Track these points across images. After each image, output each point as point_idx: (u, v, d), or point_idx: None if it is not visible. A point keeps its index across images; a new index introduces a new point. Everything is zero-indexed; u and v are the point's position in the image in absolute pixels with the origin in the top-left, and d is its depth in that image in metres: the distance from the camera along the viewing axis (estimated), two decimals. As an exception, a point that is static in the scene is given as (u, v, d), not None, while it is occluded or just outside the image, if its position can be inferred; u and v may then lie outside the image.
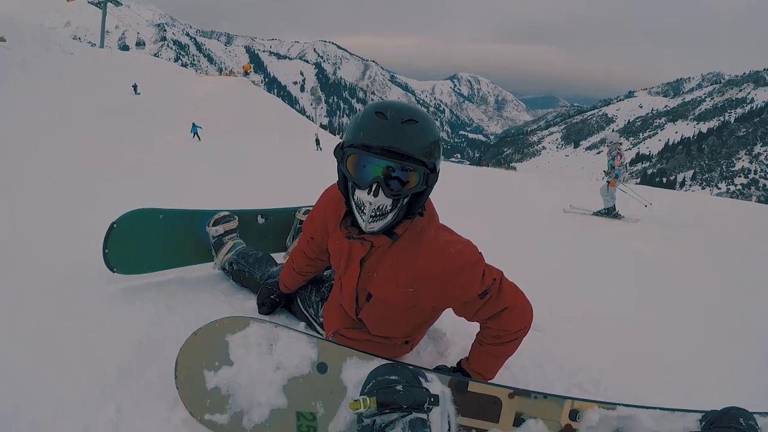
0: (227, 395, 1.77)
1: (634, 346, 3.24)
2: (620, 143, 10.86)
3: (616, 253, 6.68)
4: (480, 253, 1.93)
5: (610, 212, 10.48)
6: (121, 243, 2.64)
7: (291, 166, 10.18)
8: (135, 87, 29.67)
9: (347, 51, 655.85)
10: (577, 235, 7.93)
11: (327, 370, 1.77)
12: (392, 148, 1.68)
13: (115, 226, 2.60)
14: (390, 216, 1.80)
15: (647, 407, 1.70)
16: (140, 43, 51.25)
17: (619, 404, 1.69)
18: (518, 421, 1.70)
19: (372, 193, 1.72)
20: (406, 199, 1.80)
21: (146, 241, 2.78)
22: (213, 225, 2.94)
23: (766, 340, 3.73)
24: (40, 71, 25.18)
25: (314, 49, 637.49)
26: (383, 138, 1.69)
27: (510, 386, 1.74)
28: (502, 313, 1.94)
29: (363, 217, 1.80)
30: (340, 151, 1.79)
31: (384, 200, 1.75)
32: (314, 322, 2.53)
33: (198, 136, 20.66)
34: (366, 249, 1.96)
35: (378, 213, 1.78)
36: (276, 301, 2.65)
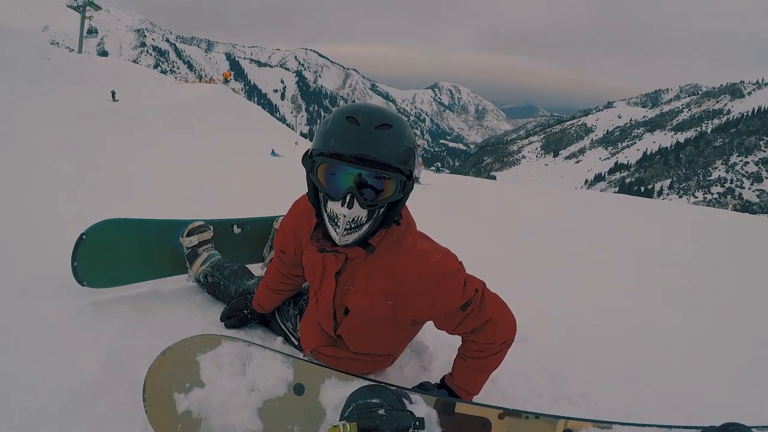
0: (199, 419, 1.65)
1: (623, 356, 3.20)
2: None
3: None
4: (460, 262, 1.85)
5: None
6: (91, 255, 2.51)
7: (270, 175, 10.05)
8: (113, 93, 29.30)
9: (328, 59, 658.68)
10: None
11: (304, 391, 1.66)
12: (366, 156, 1.58)
13: (84, 237, 2.47)
14: (365, 227, 1.71)
15: (644, 425, 1.62)
16: (92, 31, 49.98)
17: (615, 423, 1.61)
18: None
19: (346, 204, 1.62)
20: (381, 209, 1.71)
21: (117, 253, 2.66)
22: (187, 235, 2.83)
23: (756, 347, 3.70)
24: (14, 76, 24.89)
25: (295, 57, 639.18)
26: (356, 145, 1.59)
27: (500, 406, 1.64)
28: (485, 326, 1.86)
29: (336, 230, 1.71)
30: (309, 160, 1.68)
31: (359, 211, 1.65)
32: (292, 337, 2.42)
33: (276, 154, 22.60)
34: (340, 262, 1.87)
35: (353, 225, 1.69)
36: (247, 317, 2.52)
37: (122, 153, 9.72)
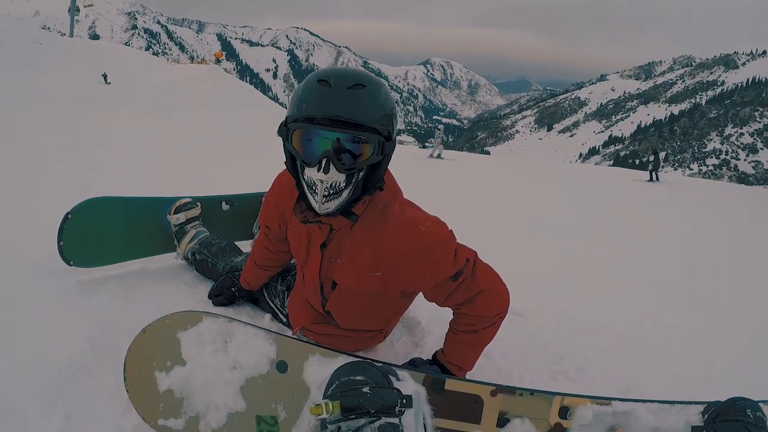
0: (181, 398, 1.61)
1: (621, 330, 3.17)
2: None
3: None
4: (451, 231, 1.78)
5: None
6: (77, 234, 2.45)
7: (263, 152, 9.97)
8: (105, 76, 28.95)
9: (320, 37, 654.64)
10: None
11: (287, 369, 1.61)
12: (339, 117, 1.52)
13: (69, 216, 2.41)
14: (345, 193, 1.63)
15: (645, 401, 1.56)
16: (71, 9, 49.03)
17: (614, 399, 1.55)
18: (502, 421, 1.56)
19: (322, 169, 1.55)
20: (361, 173, 1.63)
21: (104, 232, 2.60)
22: (174, 213, 2.76)
23: (752, 325, 3.69)
24: (6, 61, 24.73)
25: (287, 36, 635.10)
26: (328, 107, 1.53)
27: (492, 383, 1.59)
28: (477, 297, 1.79)
29: (315, 198, 1.64)
30: (284, 129, 1.63)
31: (336, 176, 1.57)
32: (280, 314, 2.37)
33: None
34: (325, 233, 1.80)
35: (331, 191, 1.61)
36: (234, 295, 2.47)
37: (116, 134, 9.66)
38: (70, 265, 2.44)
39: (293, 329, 2.14)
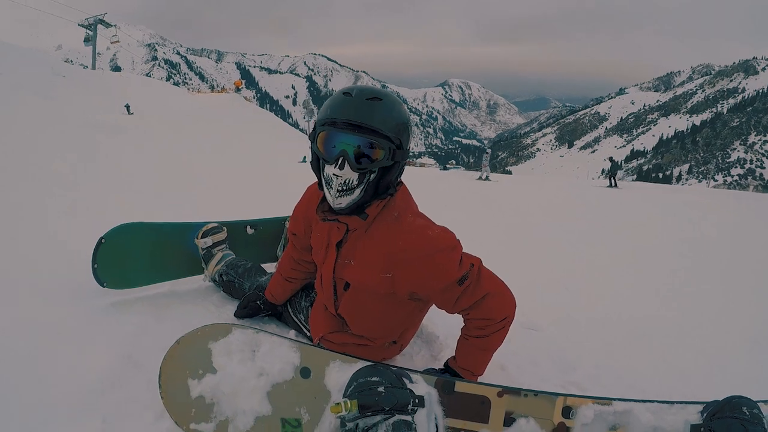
0: (212, 403, 1.73)
1: (630, 335, 3.24)
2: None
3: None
4: (458, 239, 1.93)
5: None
6: (110, 258, 2.61)
7: (286, 178, 10.17)
8: (128, 107, 29.69)
9: (337, 62, 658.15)
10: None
11: (310, 374, 1.72)
12: (355, 122, 1.75)
13: (103, 241, 2.58)
14: (357, 192, 1.84)
15: (645, 401, 1.65)
16: (87, 39, 50.50)
17: (615, 399, 1.64)
18: (509, 420, 1.65)
19: (338, 166, 1.77)
20: (373, 175, 1.84)
21: (136, 256, 2.76)
22: (202, 237, 2.91)
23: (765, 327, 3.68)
24: (29, 94, 25.25)
25: (304, 63, 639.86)
26: (347, 113, 1.76)
27: (498, 385, 1.69)
28: (484, 301, 1.90)
29: (331, 192, 1.84)
30: (313, 132, 1.86)
31: (350, 173, 1.79)
32: (304, 328, 2.49)
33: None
34: (342, 232, 1.98)
35: (344, 188, 1.81)
36: (259, 307, 2.63)
37: (141, 163, 9.87)
38: (104, 287, 2.59)
39: (314, 339, 2.28)
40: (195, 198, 6.32)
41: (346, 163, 1.77)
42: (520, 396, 1.67)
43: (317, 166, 1.89)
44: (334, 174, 1.79)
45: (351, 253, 1.99)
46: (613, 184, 23.43)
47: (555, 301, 3.74)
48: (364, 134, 1.76)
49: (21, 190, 5.22)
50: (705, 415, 1.58)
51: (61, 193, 5.41)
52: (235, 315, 2.65)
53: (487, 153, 23.85)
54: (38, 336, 2.24)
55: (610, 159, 26.41)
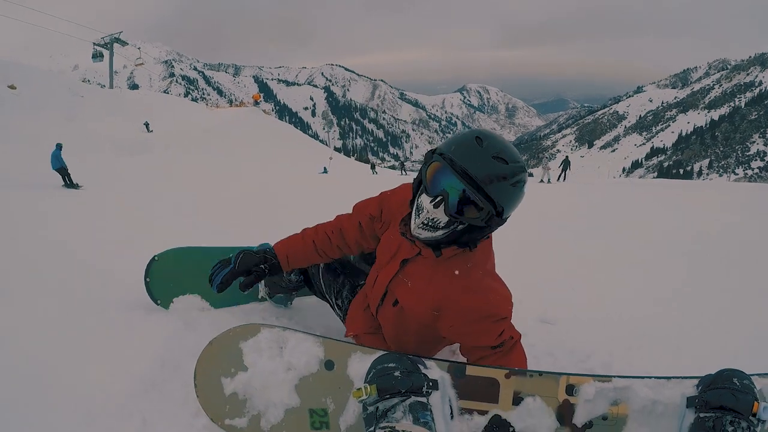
0: (244, 399, 1.87)
1: (644, 327, 3.27)
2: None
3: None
4: (511, 311, 1.97)
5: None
6: (161, 276, 2.78)
7: (317, 191, 10.34)
8: (147, 124, 30.13)
9: (355, 72, 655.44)
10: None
11: (334, 366, 1.85)
12: (469, 172, 1.70)
13: (156, 259, 2.76)
14: (439, 233, 1.83)
15: (643, 377, 1.74)
16: (96, 55, 50.95)
17: (614, 376, 1.74)
18: (517, 400, 1.74)
19: (434, 203, 1.75)
20: (461, 227, 1.83)
21: (186, 278, 2.85)
22: None
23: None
24: (50, 115, 25.68)
25: (322, 74, 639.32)
26: (468, 162, 1.70)
27: (505, 367, 1.79)
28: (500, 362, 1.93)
29: (416, 221, 1.84)
30: (429, 154, 1.85)
31: (441, 215, 1.77)
32: (336, 309, 2.54)
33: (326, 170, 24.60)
34: (412, 253, 2.00)
35: (430, 224, 1.81)
36: (264, 272, 2.32)
37: (168, 180, 10.10)
38: (158, 305, 2.77)
39: (347, 332, 2.34)
40: (235, 218, 6.46)
41: (443, 204, 1.74)
42: (526, 377, 1.76)
43: (417, 186, 1.88)
44: (426, 207, 1.78)
45: (412, 275, 2.01)
46: (563, 179, 26.36)
47: (569, 296, 3.83)
48: (473, 189, 1.70)
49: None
50: (700, 387, 1.67)
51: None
52: (241, 286, 2.33)
53: (546, 158, 25.12)
54: (82, 338, 2.46)
55: (565, 156, 30.07)
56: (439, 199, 1.75)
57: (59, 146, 15.98)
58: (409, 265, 2.02)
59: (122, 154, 16.83)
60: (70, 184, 15.38)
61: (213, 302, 2.88)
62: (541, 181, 22.55)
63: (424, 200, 1.79)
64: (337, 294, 2.51)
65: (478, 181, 1.69)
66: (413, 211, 1.86)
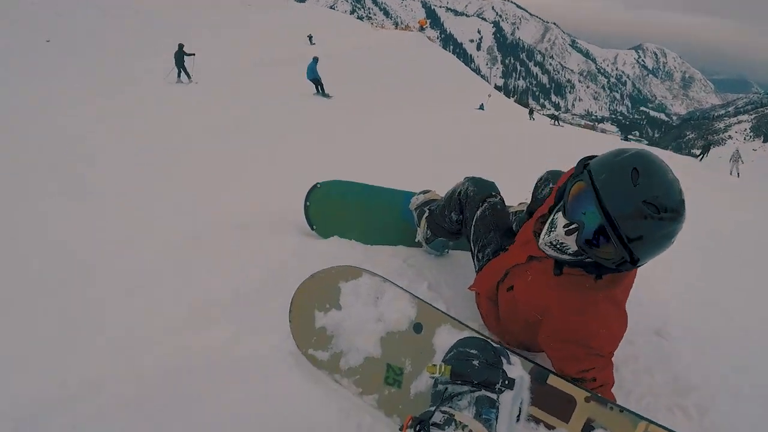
0: (331, 336, 1.96)
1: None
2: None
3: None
4: (611, 352, 1.83)
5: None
6: (321, 204, 2.93)
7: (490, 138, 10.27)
8: (310, 37, 31.41)
9: (527, 11, 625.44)
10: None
11: (422, 330, 1.87)
12: (611, 215, 1.53)
13: (318, 186, 2.92)
14: (565, 257, 1.72)
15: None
16: None
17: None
18: (587, 427, 1.68)
19: (567, 229, 1.64)
20: (589, 259, 1.69)
21: (345, 211, 2.97)
22: (416, 197, 2.90)
23: None
24: (224, 22, 27.59)
25: (492, 7, 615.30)
26: (614, 198, 1.53)
27: (589, 390, 1.72)
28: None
29: (545, 237, 1.74)
30: (581, 167, 1.70)
31: (571, 243, 1.66)
32: (476, 259, 2.37)
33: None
34: (540, 253, 1.86)
35: (558, 246, 1.71)
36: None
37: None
38: (313, 230, 2.95)
39: (473, 285, 2.31)
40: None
41: (575, 234, 1.62)
42: (606, 407, 1.68)
43: (559, 197, 1.77)
44: (559, 229, 1.67)
45: (534, 271, 1.93)
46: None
47: (694, 310, 3.26)
48: (612, 226, 1.53)
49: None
50: None
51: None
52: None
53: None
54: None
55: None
56: (573, 227, 1.62)
57: (315, 59, 18.64)
58: (534, 263, 1.94)
59: (282, 63, 18.18)
60: (322, 93, 18.22)
61: (364, 238, 2.91)
62: (731, 173, 20.81)
63: (559, 220, 1.68)
64: (481, 247, 2.33)
65: (619, 226, 1.52)
66: (547, 224, 1.76)
